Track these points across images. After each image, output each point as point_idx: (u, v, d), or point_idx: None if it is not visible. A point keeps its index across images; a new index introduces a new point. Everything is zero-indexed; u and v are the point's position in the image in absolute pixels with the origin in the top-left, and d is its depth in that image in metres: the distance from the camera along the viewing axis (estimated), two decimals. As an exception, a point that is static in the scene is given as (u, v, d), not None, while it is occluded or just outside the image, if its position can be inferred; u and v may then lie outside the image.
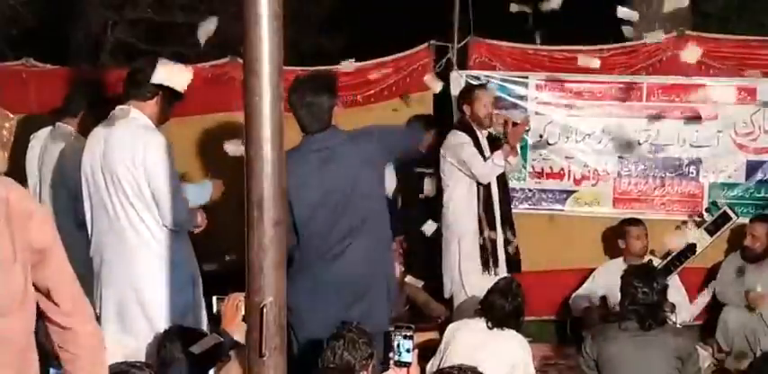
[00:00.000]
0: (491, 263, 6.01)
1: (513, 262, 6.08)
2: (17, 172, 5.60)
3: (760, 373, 4.41)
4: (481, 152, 6.00)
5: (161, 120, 4.32)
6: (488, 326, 4.65)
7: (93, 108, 5.24)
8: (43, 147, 5.42)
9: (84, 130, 5.21)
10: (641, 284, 4.52)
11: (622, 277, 4.70)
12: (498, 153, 5.93)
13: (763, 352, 5.42)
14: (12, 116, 2.48)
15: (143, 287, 4.14)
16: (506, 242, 6.07)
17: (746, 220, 6.25)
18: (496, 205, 6.05)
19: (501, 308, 4.65)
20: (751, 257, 6.12)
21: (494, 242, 6.03)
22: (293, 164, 4.15)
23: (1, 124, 2.43)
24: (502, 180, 6.11)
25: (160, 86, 4.19)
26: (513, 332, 4.70)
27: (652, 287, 4.52)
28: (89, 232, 4.33)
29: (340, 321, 3.80)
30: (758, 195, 6.49)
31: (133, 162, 4.10)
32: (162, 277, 4.12)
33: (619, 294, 4.68)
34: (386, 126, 4.72)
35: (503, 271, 5.96)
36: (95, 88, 5.56)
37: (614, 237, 6.45)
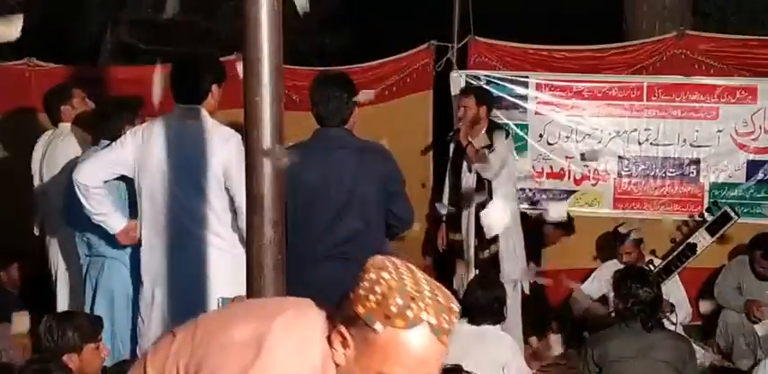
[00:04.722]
0: (456, 267, 5.91)
1: (491, 268, 5.89)
2: (22, 173, 5.64)
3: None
4: (459, 155, 5.97)
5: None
6: (471, 323, 4.54)
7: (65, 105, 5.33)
8: (47, 148, 5.42)
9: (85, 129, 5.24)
10: (640, 284, 4.50)
11: (615, 280, 4.67)
12: None
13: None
14: (457, 309, 1.89)
15: (218, 290, 3.86)
16: (479, 247, 5.92)
17: (747, 221, 6.24)
18: (467, 209, 5.94)
19: (475, 301, 4.56)
20: (760, 273, 6.03)
21: (457, 244, 5.97)
22: (300, 153, 4.13)
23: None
24: (486, 189, 5.92)
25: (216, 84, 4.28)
26: (500, 333, 4.63)
27: (651, 285, 4.51)
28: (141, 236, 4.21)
29: None
30: (759, 195, 6.48)
31: (223, 160, 4.07)
32: (233, 276, 3.70)
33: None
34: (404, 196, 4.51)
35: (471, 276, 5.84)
36: (65, 87, 5.58)
37: (614, 238, 6.44)
